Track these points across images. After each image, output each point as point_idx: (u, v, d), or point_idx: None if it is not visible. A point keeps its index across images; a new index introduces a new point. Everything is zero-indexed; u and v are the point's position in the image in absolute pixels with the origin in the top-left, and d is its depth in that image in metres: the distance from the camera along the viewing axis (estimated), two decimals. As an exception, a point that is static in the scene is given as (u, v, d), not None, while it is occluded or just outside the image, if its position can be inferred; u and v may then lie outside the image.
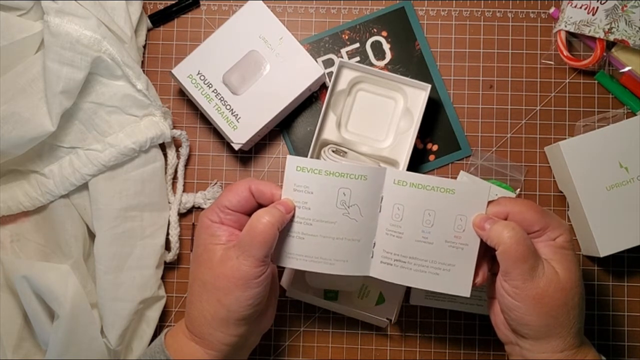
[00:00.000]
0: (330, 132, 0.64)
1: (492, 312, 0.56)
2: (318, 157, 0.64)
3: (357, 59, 0.68)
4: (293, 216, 0.53)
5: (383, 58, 0.68)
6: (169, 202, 0.66)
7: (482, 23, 0.68)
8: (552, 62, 0.68)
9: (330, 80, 0.64)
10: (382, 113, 0.65)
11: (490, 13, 0.69)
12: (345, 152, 0.64)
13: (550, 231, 0.52)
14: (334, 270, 0.53)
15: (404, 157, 0.63)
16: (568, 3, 0.66)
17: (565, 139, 0.65)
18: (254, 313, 0.53)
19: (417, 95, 0.64)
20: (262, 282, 0.51)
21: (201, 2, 0.69)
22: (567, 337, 0.51)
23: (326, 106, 0.64)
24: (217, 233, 0.53)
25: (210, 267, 0.52)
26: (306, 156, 0.62)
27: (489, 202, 0.53)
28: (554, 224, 0.52)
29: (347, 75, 0.65)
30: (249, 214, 0.53)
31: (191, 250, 0.67)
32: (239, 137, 0.63)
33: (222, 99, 0.63)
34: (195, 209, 0.68)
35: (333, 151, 0.63)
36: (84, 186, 0.61)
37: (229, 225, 0.53)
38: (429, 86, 0.63)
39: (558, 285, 0.50)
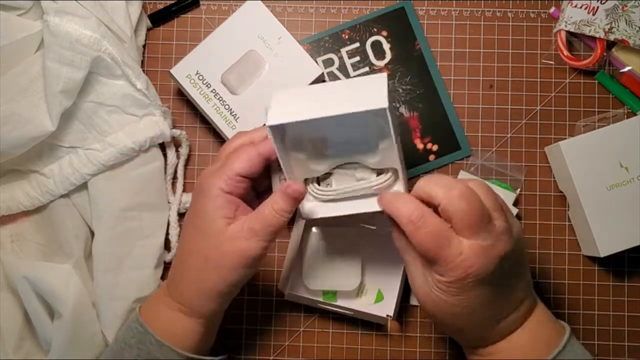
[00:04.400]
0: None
1: None
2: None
3: (357, 58, 0.68)
4: None
5: (383, 58, 0.68)
6: (169, 202, 0.66)
7: (482, 23, 0.68)
8: (553, 62, 0.68)
9: (329, 80, 0.64)
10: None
11: (491, 13, 0.69)
12: (331, 174, 0.57)
13: (442, 264, 0.48)
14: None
15: (398, 163, 0.54)
16: (568, 3, 0.66)
17: (565, 139, 0.65)
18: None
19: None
20: (263, 260, 0.53)
21: (201, 2, 0.69)
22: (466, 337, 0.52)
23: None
24: (225, 205, 0.52)
25: (215, 243, 0.52)
26: None
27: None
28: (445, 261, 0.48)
29: None
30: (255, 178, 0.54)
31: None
32: (238, 137, 0.63)
33: (220, 98, 0.63)
34: (195, 209, 0.68)
35: (317, 183, 0.57)
36: (84, 186, 0.61)
37: (238, 196, 0.53)
38: (384, 107, 0.49)
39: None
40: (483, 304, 0.49)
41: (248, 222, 0.52)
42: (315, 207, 0.56)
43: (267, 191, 0.57)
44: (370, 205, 0.54)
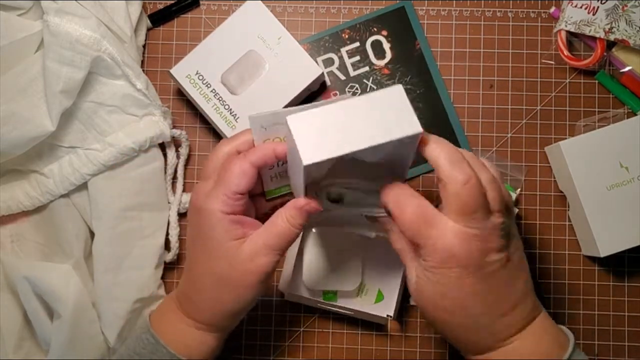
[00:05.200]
0: None
1: None
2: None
3: (357, 58, 0.68)
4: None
5: (383, 57, 0.68)
6: (169, 202, 0.66)
7: (482, 23, 0.68)
8: (553, 62, 0.68)
9: (329, 81, 0.64)
10: None
11: (491, 13, 0.68)
12: (342, 194, 0.56)
13: (425, 246, 0.48)
14: None
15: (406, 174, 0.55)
16: (568, 3, 0.66)
17: (565, 138, 0.65)
18: None
19: None
20: (274, 273, 0.54)
21: (201, 2, 0.69)
22: (477, 340, 0.50)
23: None
24: (230, 228, 0.51)
25: (230, 264, 0.51)
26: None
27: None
28: (431, 237, 0.47)
29: None
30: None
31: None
32: (238, 137, 0.63)
33: (220, 98, 0.63)
34: (195, 209, 0.67)
35: (329, 199, 0.56)
36: (84, 186, 0.61)
37: (240, 213, 0.52)
38: (420, 132, 0.48)
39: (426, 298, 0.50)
40: (473, 298, 0.48)
41: (262, 238, 0.51)
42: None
43: (261, 194, 0.57)
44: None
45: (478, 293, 0.48)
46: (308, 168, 0.46)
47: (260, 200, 0.57)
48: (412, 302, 0.66)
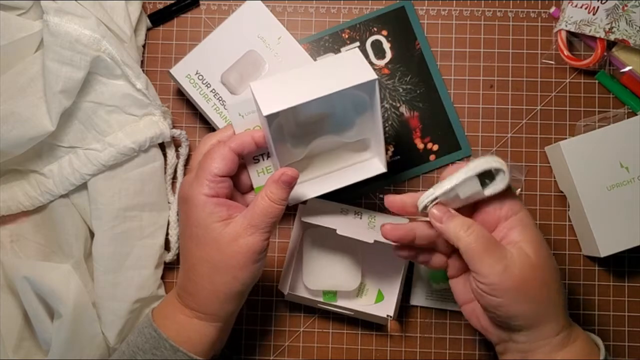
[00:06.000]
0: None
1: (474, 318, 0.54)
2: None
3: (357, 58, 0.68)
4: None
5: (383, 57, 0.68)
6: (169, 202, 0.66)
7: (482, 23, 0.68)
8: (553, 62, 0.68)
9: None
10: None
11: (491, 12, 0.68)
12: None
13: (509, 207, 0.51)
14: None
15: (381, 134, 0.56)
16: (569, 2, 0.66)
17: (565, 138, 0.65)
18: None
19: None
20: (267, 252, 0.54)
21: (201, 2, 0.69)
22: (558, 318, 0.50)
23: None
24: (215, 210, 0.52)
25: (218, 247, 0.52)
26: None
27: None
28: (513, 200, 0.51)
29: None
30: (234, 174, 0.55)
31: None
32: (239, 136, 0.63)
33: (220, 98, 0.63)
34: (195, 209, 0.67)
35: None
36: (84, 186, 0.61)
37: (224, 196, 0.53)
38: (375, 79, 0.51)
39: (531, 266, 0.49)
40: (554, 270, 0.51)
41: (247, 219, 0.52)
42: (300, 190, 0.57)
43: (250, 191, 0.58)
44: (352, 179, 0.58)
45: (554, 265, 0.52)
46: (270, 120, 0.49)
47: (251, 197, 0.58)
48: (412, 302, 0.66)
